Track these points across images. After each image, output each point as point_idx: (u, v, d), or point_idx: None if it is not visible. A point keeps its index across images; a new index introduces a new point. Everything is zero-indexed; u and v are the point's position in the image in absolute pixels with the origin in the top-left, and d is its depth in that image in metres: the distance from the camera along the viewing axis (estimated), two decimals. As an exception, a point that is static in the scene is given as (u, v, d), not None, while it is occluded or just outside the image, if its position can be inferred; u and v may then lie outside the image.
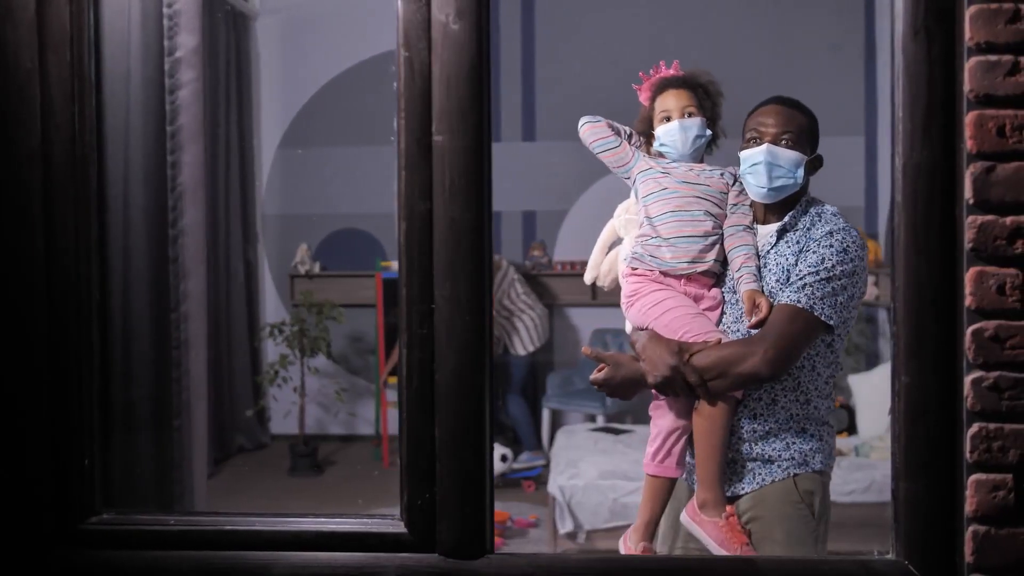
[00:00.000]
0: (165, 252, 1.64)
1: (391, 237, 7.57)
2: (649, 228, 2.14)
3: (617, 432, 5.57)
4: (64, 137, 1.60)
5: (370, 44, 7.45)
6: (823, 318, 1.97)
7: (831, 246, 2.01)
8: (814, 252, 2.01)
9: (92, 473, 1.63)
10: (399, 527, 1.59)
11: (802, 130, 2.08)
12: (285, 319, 7.07)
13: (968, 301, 1.46)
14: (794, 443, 2.05)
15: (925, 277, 1.49)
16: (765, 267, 2.08)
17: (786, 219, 2.08)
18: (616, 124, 2.21)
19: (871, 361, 6.82)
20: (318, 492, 6.18)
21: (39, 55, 1.59)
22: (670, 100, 2.15)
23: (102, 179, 1.67)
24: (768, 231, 2.11)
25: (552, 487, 4.67)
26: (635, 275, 2.15)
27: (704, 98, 2.16)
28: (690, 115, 2.13)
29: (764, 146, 2.05)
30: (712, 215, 2.12)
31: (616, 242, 2.30)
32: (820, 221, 2.07)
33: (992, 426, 1.46)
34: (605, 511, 4.55)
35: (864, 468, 4.66)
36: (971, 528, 1.47)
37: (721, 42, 7.15)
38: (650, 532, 2.12)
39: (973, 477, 1.47)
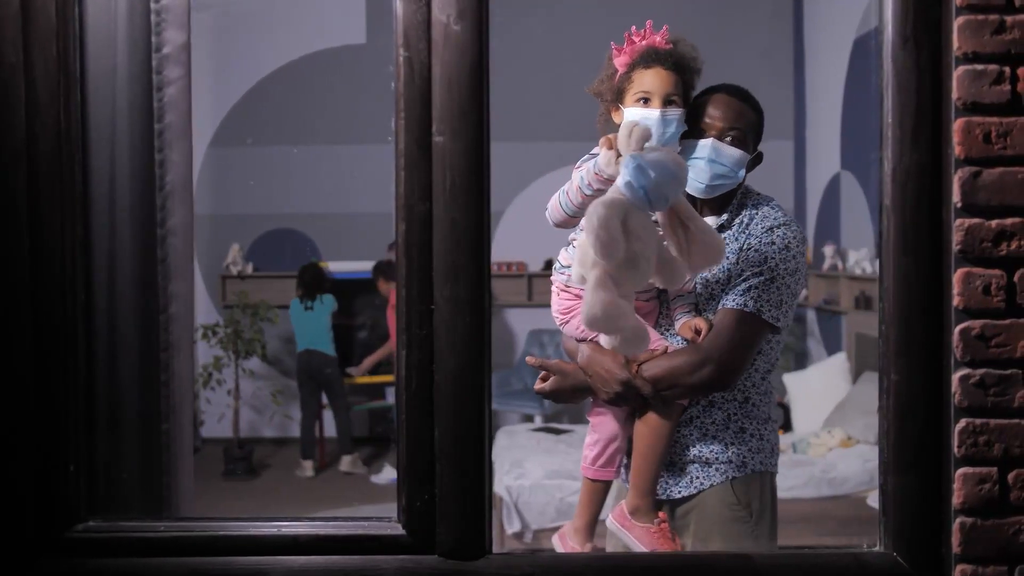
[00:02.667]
0: (153, 252, 1.60)
1: (326, 237, 7.51)
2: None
3: (558, 432, 5.61)
4: (49, 134, 1.55)
5: (303, 42, 7.40)
6: (771, 320, 1.92)
7: (773, 243, 1.93)
8: (756, 251, 1.94)
9: (77, 479, 1.59)
10: (397, 529, 1.58)
11: (749, 126, 1.97)
12: (217, 320, 6.95)
13: (956, 301, 1.52)
14: (732, 444, 1.99)
15: (913, 278, 1.54)
16: None
17: (724, 217, 2.00)
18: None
19: (800, 360, 7.00)
20: (254, 495, 6.09)
21: (23, 50, 1.54)
22: (653, 80, 1.90)
23: (87, 178, 1.63)
24: None
25: (498, 487, 4.68)
26: (568, 292, 2.02)
27: (688, 80, 1.94)
28: (671, 104, 1.90)
29: (709, 141, 1.93)
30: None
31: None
32: (759, 217, 1.98)
33: (978, 421, 1.52)
34: (552, 510, 4.58)
35: (803, 464, 4.77)
36: (958, 520, 1.52)
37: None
38: (591, 532, 2.07)
39: (960, 471, 1.52)
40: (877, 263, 5.16)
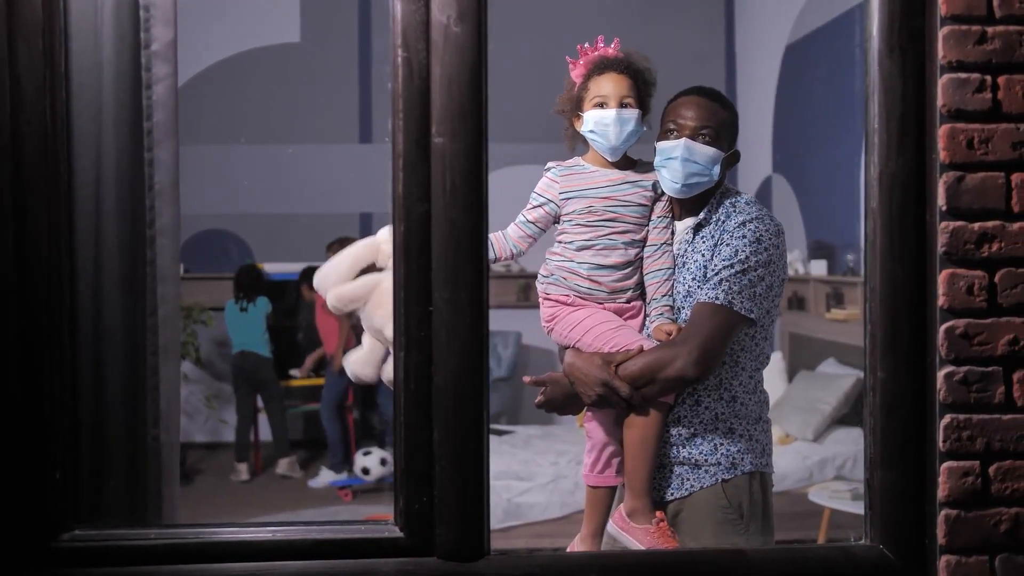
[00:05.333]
0: (141, 254, 1.56)
1: (258, 238, 7.39)
2: (563, 249, 2.05)
3: (500, 433, 5.62)
4: (35, 132, 1.50)
5: (236, 40, 7.28)
6: (743, 312, 1.95)
7: (744, 237, 1.97)
8: (727, 244, 1.97)
9: (64, 487, 1.54)
10: (394, 531, 1.57)
11: (722, 125, 2.02)
12: (148, 323, 6.80)
13: (941, 301, 1.57)
14: (722, 445, 2.01)
15: (900, 279, 1.59)
16: (683, 266, 2.04)
17: (701, 215, 2.04)
18: (515, 234, 2.08)
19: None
20: (189, 501, 5.96)
21: (8, 44, 1.49)
22: (607, 85, 2.01)
23: (72, 177, 1.58)
24: (684, 227, 2.07)
25: (445, 489, 4.67)
26: (550, 299, 2.07)
27: (642, 87, 2.04)
28: (627, 105, 2.00)
29: (681, 141, 1.98)
30: (635, 241, 2.04)
31: (370, 268, 1.96)
32: (734, 212, 2.02)
33: (962, 417, 1.58)
34: (499, 511, 4.59)
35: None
36: (943, 512, 1.58)
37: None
38: (598, 541, 2.07)
39: (945, 465, 1.58)
40: (810, 264, 5.24)
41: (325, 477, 6.31)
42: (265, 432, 6.81)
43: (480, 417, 1.57)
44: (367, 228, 7.44)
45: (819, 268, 5.84)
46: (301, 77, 7.33)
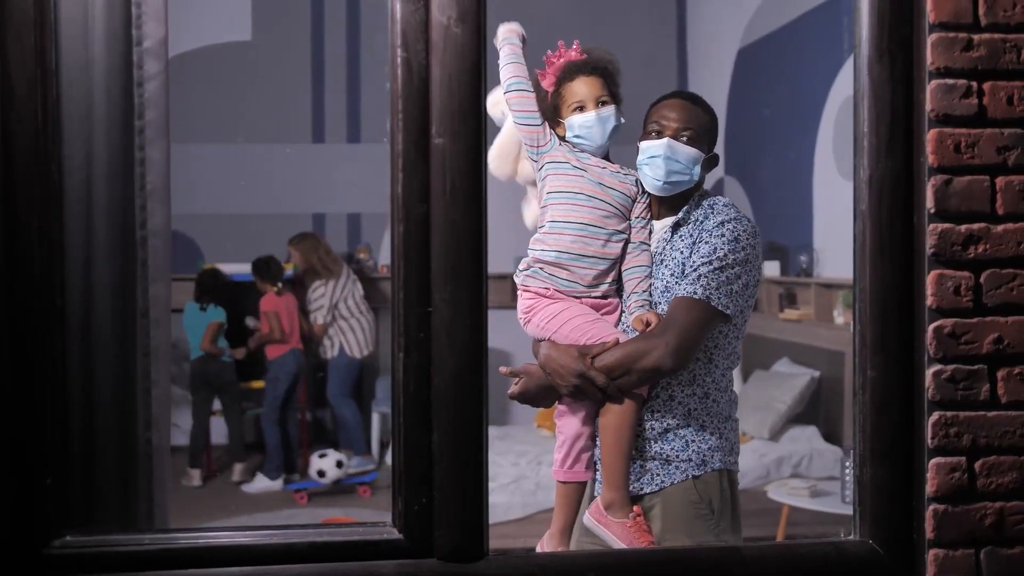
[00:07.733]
0: (132, 254, 1.53)
1: (209, 239, 7.29)
2: (548, 238, 2.06)
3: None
4: (26, 130, 1.47)
5: (186, 38, 7.15)
6: (720, 307, 1.99)
7: (723, 235, 2.02)
8: (706, 243, 2.02)
9: (55, 492, 1.51)
10: (393, 533, 1.57)
11: (702, 128, 2.09)
12: (96, 325, 6.65)
13: (930, 301, 1.61)
14: (693, 442, 2.04)
15: (889, 280, 1.63)
16: (662, 263, 2.08)
17: (680, 214, 2.08)
18: None
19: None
20: (141, 507, 5.86)
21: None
22: (582, 88, 2.07)
23: (63, 176, 1.55)
24: (663, 226, 2.11)
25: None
26: (529, 291, 2.09)
27: (611, 81, 2.10)
28: (604, 104, 2.06)
29: (664, 140, 2.05)
30: (620, 232, 2.07)
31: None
32: (712, 213, 2.07)
33: (949, 414, 1.62)
34: (462, 512, 4.59)
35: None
36: (931, 507, 1.62)
37: (533, 49, 7.35)
38: (567, 537, 2.08)
39: (934, 461, 1.62)
40: (764, 265, 5.28)
41: (260, 483, 6.23)
42: (216, 437, 6.71)
43: (479, 418, 1.57)
44: (320, 229, 7.38)
45: (772, 269, 5.93)
46: (253, 76, 7.25)
